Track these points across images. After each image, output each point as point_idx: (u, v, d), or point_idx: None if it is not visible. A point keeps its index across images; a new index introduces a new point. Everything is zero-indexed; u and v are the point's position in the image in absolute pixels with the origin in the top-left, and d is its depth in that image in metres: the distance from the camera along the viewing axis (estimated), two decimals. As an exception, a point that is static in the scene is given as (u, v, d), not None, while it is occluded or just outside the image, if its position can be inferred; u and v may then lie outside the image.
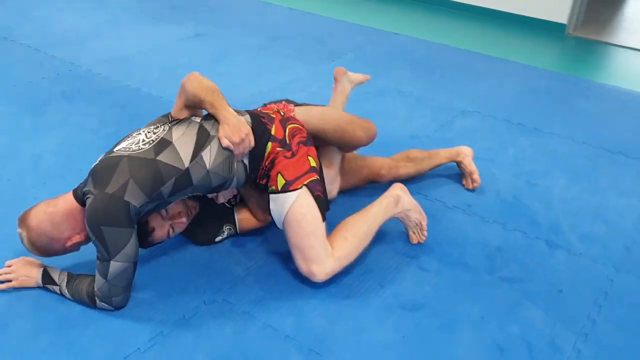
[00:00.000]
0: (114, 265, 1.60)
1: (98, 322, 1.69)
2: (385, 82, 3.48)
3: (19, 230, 1.68)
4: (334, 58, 3.84)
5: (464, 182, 2.45)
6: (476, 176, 2.41)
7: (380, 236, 2.02)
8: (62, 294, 1.74)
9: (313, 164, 1.84)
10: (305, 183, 1.77)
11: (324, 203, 1.81)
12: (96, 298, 1.67)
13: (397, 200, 1.96)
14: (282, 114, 1.91)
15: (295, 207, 1.75)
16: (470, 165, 2.41)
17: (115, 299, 1.67)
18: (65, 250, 1.73)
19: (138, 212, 1.62)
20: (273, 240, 2.05)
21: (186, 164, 1.66)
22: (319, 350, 1.63)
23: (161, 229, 1.80)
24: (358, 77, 2.62)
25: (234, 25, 4.38)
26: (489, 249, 2.08)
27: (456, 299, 1.85)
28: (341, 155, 2.21)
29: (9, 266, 1.79)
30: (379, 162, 2.30)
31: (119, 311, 1.72)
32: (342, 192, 2.28)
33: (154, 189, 1.62)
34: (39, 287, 1.78)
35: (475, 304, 1.83)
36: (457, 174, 2.50)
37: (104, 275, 1.62)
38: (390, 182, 2.16)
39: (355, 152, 2.32)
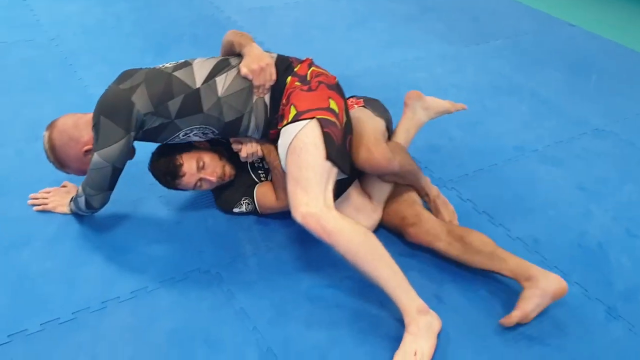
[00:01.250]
0: (95, 158, 1.67)
1: (100, 263, 1.78)
2: (524, 79, 3.09)
3: (44, 133, 1.79)
4: (480, 42, 3.50)
5: None
6: None
7: (406, 253, 1.84)
8: (75, 208, 1.86)
9: (334, 107, 1.67)
10: (317, 117, 1.62)
11: (333, 145, 1.60)
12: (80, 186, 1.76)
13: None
14: (312, 60, 1.84)
15: (299, 136, 1.60)
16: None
17: (87, 189, 1.74)
18: (78, 160, 1.78)
19: (141, 123, 1.68)
20: (297, 232, 1.93)
21: (198, 84, 1.70)
22: (278, 353, 1.55)
23: (190, 177, 1.83)
24: (442, 104, 2.14)
25: (392, -11, 4.19)
26: (531, 298, 1.78)
27: (458, 346, 1.61)
28: (387, 188, 1.95)
29: (48, 192, 1.96)
30: (411, 213, 1.88)
31: (119, 256, 1.80)
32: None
33: (161, 99, 1.67)
34: (69, 214, 1.92)
35: (477, 358, 1.59)
36: (539, 199, 2.15)
37: (89, 163, 1.71)
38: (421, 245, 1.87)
39: (413, 191, 1.98)
